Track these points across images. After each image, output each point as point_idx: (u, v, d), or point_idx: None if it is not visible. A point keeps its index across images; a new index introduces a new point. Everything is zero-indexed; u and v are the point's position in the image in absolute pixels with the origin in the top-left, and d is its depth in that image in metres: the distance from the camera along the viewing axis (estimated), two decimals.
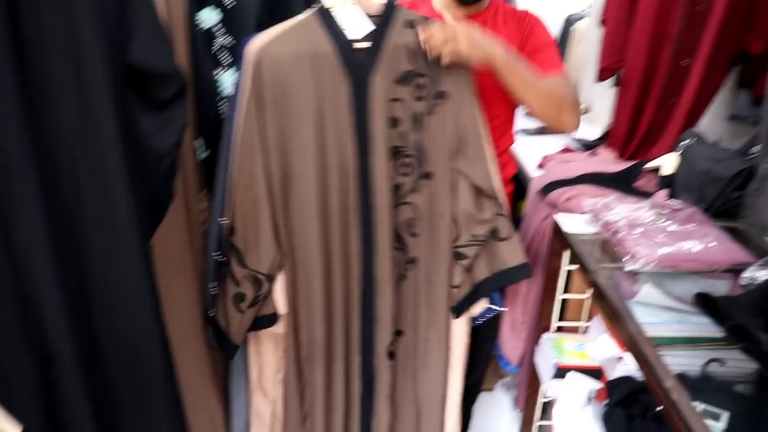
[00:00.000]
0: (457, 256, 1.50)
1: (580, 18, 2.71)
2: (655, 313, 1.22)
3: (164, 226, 1.24)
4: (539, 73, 1.51)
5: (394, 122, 1.39)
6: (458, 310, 1.55)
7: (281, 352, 1.56)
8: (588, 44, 2.45)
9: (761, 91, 1.78)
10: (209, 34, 1.65)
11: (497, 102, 1.61)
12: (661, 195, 1.63)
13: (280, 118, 1.36)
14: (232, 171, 1.40)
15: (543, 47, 1.61)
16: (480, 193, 1.48)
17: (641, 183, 1.78)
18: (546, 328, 1.66)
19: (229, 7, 1.65)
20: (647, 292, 1.21)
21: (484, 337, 1.77)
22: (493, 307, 1.60)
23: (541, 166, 2.09)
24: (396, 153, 1.41)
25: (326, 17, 1.34)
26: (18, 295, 0.90)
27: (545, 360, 1.58)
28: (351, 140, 1.38)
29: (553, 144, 2.31)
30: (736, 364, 1.18)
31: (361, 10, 1.35)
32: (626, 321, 1.14)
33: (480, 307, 1.58)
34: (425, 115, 1.41)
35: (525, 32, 1.63)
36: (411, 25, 1.36)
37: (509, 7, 1.68)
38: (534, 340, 1.70)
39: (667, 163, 1.70)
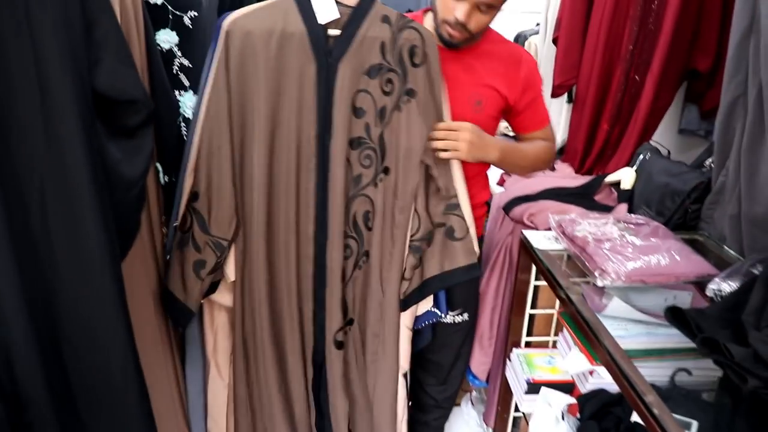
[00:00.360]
0: (412, 248, 1.51)
1: (534, 33, 2.77)
2: (624, 326, 1.25)
3: (129, 256, 1.21)
4: (524, 145, 1.61)
5: (358, 113, 1.40)
6: (405, 303, 1.56)
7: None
8: (540, 60, 2.50)
9: (709, 105, 1.86)
10: (168, 56, 1.61)
11: None
12: (622, 209, 1.67)
13: (241, 89, 1.37)
14: (198, 137, 1.40)
15: (536, 98, 1.61)
16: (438, 190, 1.50)
17: (601, 197, 1.82)
18: (516, 344, 1.67)
19: (187, 27, 1.61)
20: (615, 305, 1.24)
21: (457, 353, 1.77)
22: (436, 311, 1.61)
23: (501, 182, 2.11)
24: (358, 144, 1.42)
25: (302, 0, 1.36)
26: None
27: (517, 375, 1.59)
28: (314, 124, 1.38)
29: None
30: (701, 373, 1.22)
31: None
32: (602, 335, 1.16)
33: (423, 306, 1.60)
34: (391, 110, 1.41)
35: (520, 78, 1.57)
36: (386, 20, 1.37)
37: (503, 43, 1.62)
38: (504, 356, 1.70)
39: (626, 177, 1.75)
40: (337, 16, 1.35)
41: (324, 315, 1.51)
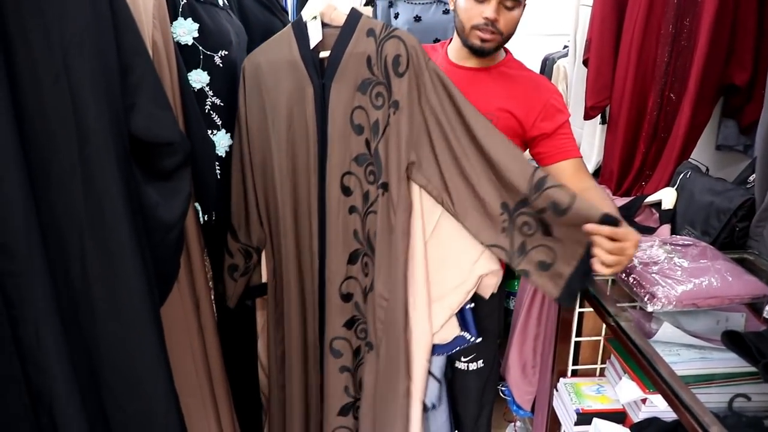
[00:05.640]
0: None
1: (562, 56, 2.76)
2: (676, 351, 1.22)
3: (168, 299, 1.20)
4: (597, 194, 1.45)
5: (357, 129, 1.42)
6: None
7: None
8: (571, 82, 2.48)
9: (748, 120, 1.82)
10: (200, 95, 1.63)
11: None
12: (665, 231, 1.63)
13: (260, 118, 1.48)
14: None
15: (562, 127, 1.54)
16: None
17: (641, 218, 1.78)
18: (562, 373, 1.61)
19: (218, 67, 1.63)
20: (666, 331, 1.20)
21: (484, 383, 1.72)
22: (466, 335, 1.54)
23: None
24: (363, 160, 1.44)
25: (299, 28, 1.44)
26: (27, 385, 0.85)
27: (565, 406, 1.53)
28: (315, 144, 1.45)
29: None
30: (761, 398, 1.19)
31: (318, 23, 1.43)
32: (656, 362, 1.12)
33: (450, 331, 1.52)
34: (383, 125, 1.40)
35: (540, 103, 1.52)
36: (371, 33, 1.39)
37: (526, 69, 1.61)
38: (550, 385, 1.65)
39: (667, 197, 1.71)
40: (319, 38, 1.41)
41: (324, 329, 1.57)
